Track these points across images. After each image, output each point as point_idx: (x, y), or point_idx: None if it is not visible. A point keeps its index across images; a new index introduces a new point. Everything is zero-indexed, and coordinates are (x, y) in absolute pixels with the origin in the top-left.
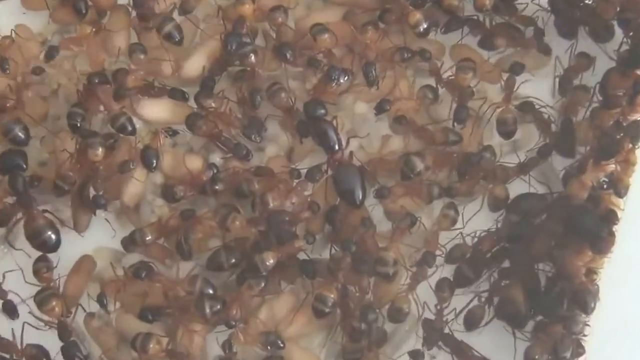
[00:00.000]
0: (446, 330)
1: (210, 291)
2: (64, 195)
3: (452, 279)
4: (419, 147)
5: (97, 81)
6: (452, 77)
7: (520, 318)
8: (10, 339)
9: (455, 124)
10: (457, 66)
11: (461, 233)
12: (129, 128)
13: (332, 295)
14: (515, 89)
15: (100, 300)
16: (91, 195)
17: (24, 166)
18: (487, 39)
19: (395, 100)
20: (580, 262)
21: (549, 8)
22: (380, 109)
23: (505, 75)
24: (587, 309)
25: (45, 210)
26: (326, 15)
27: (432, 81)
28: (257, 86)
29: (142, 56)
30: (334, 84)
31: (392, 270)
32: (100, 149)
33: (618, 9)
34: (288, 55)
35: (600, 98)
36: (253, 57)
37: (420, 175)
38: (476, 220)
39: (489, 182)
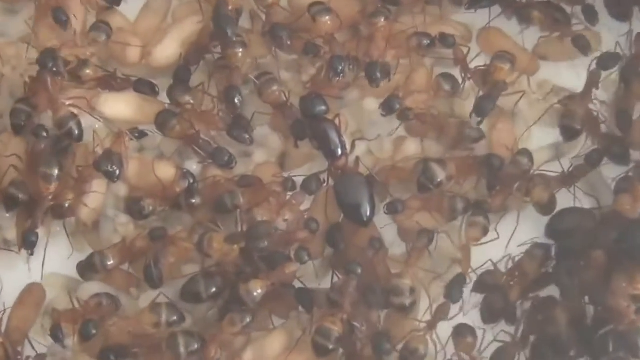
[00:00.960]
0: None
1: (175, 318)
2: (14, 208)
3: (480, 311)
4: (439, 152)
5: (50, 66)
6: (482, 68)
7: (560, 343)
8: None
9: (474, 115)
10: (494, 56)
11: (491, 260)
12: (76, 132)
13: (336, 329)
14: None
15: (55, 334)
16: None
17: None
18: (523, 10)
19: (407, 94)
20: (634, 292)
21: None
22: (388, 107)
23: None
24: (637, 353)
25: None
26: None
27: (456, 72)
28: (235, 83)
29: (103, 37)
30: (337, 77)
31: (409, 301)
32: (53, 184)
33: None
34: (284, 38)
35: None
36: (241, 52)
37: (441, 186)
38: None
39: (524, 193)
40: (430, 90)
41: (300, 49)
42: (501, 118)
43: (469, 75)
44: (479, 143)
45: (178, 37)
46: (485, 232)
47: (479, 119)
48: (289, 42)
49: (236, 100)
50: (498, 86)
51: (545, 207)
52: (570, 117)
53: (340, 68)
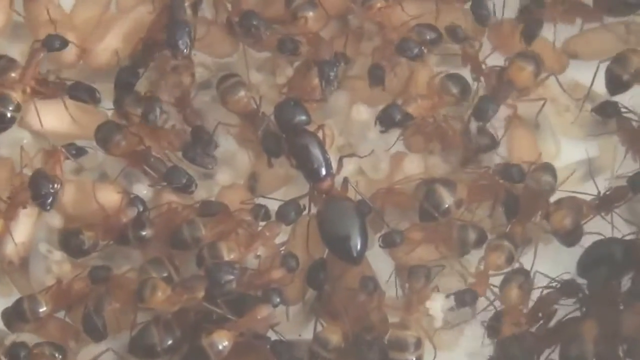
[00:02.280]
0: None
1: None
2: None
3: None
4: (446, 172)
5: None
6: (498, 68)
7: None
8: None
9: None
10: (515, 54)
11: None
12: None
13: None
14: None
15: None
16: None
17: None
18: None
19: (409, 101)
20: None
21: None
22: (387, 120)
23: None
24: None
25: None
26: None
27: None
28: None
29: None
30: (330, 87)
31: (414, 357)
32: None
33: None
34: (260, 29)
35: None
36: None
37: (448, 214)
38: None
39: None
40: (435, 95)
41: (274, 46)
42: (521, 128)
43: (480, 77)
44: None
45: (123, 32)
46: (511, 259)
47: (480, 123)
48: (266, 34)
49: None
50: (505, 85)
51: (568, 237)
52: (622, 62)
53: (333, 74)
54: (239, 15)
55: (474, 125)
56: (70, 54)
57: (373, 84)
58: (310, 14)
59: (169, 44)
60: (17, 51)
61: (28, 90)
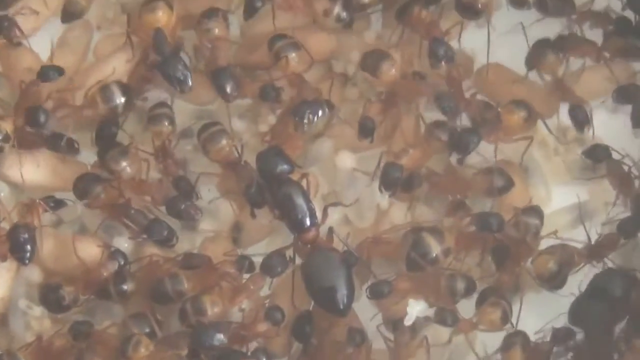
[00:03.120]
0: None
1: None
2: None
3: None
4: (432, 218)
5: None
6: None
7: None
8: None
9: (455, 153)
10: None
11: None
12: None
13: None
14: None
15: None
16: None
17: None
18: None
19: (399, 154)
20: None
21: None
22: (389, 181)
23: None
24: None
25: None
26: (290, 19)
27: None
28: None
29: None
30: (302, 126)
31: None
32: None
33: None
34: (229, 89)
35: None
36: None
37: (436, 263)
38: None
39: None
40: (423, 143)
41: (256, 92)
42: (510, 172)
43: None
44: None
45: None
46: (506, 319)
47: (459, 156)
48: (235, 94)
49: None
50: (490, 119)
51: (551, 281)
52: None
53: (310, 114)
54: (212, 71)
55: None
56: (47, 103)
57: (362, 137)
58: (293, 55)
59: (174, 81)
60: None
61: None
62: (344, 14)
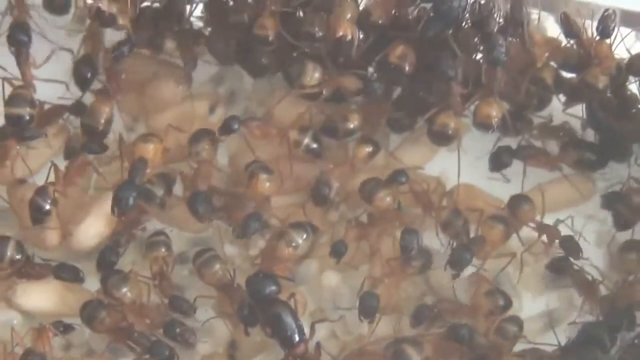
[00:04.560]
0: None
1: None
2: None
3: None
4: (414, 331)
5: None
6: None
7: None
8: None
9: (449, 268)
10: (483, 221)
11: None
12: None
13: None
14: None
15: None
16: None
17: None
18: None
19: (375, 283)
20: None
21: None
22: (368, 312)
23: None
24: None
25: None
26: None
27: None
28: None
29: None
30: (242, 237)
31: None
32: None
33: None
34: (200, 211)
35: None
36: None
37: None
38: None
39: None
40: (397, 270)
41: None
42: (484, 283)
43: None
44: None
45: (102, 213)
46: None
47: (455, 272)
48: (208, 217)
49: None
50: (476, 237)
51: None
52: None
53: (254, 226)
54: (188, 200)
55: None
56: (53, 237)
57: (333, 258)
58: (264, 176)
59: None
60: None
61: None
62: (313, 145)
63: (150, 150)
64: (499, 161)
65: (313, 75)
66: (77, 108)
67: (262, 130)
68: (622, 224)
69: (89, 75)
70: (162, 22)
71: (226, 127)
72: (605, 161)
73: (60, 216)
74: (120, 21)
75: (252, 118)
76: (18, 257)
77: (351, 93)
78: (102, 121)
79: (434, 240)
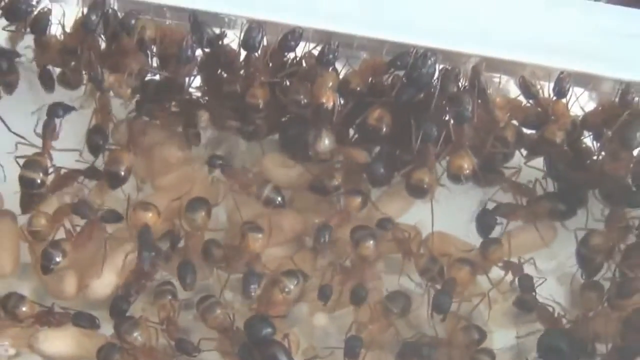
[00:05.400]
0: None
1: None
2: None
3: None
4: None
5: None
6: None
7: None
8: None
9: (434, 313)
10: (451, 264)
11: None
12: None
13: None
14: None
15: None
16: None
17: None
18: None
19: (360, 327)
20: None
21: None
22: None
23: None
24: None
25: None
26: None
27: None
28: None
29: None
30: (249, 297)
31: None
32: None
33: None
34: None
35: None
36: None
37: None
38: None
39: None
40: (380, 317)
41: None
42: (454, 320)
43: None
44: None
45: (115, 266)
46: None
47: (441, 316)
48: (193, 285)
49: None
50: (450, 280)
51: None
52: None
53: (254, 287)
54: (178, 269)
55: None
56: (70, 288)
57: (321, 300)
58: (254, 235)
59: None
60: (27, 289)
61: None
62: (273, 197)
63: (149, 218)
64: (486, 225)
65: (326, 142)
66: (91, 172)
67: (240, 182)
68: (583, 264)
69: (100, 142)
70: (165, 93)
71: (210, 164)
72: (574, 210)
73: (77, 269)
74: (123, 92)
75: (230, 167)
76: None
77: (358, 165)
78: (124, 168)
79: (412, 282)
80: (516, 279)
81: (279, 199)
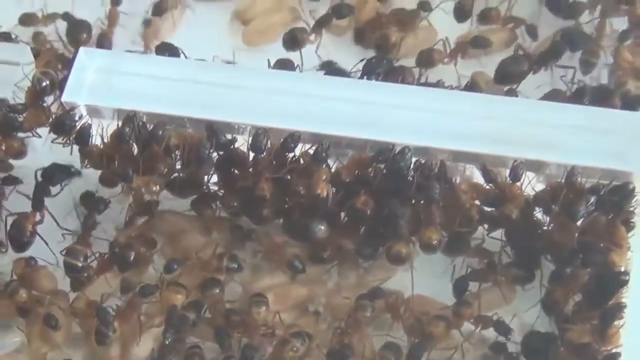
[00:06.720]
0: None
1: None
2: None
3: None
4: None
5: None
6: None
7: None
8: None
9: None
10: (429, 320)
11: None
12: None
13: None
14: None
15: None
16: None
17: None
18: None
19: None
20: None
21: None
22: None
23: None
24: None
25: None
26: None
27: None
28: None
29: None
30: (291, 352)
31: None
32: None
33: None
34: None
35: None
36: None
37: None
38: None
39: None
40: None
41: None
42: None
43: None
44: None
45: (151, 335)
46: None
47: None
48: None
49: None
50: (428, 336)
51: None
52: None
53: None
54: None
55: None
56: (116, 354)
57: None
58: (263, 308)
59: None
60: (79, 357)
61: None
62: (232, 266)
63: (179, 299)
64: (461, 289)
65: (321, 228)
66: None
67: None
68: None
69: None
70: (187, 189)
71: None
72: (532, 277)
73: (120, 337)
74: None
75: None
76: None
77: (346, 251)
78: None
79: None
80: (492, 327)
81: (236, 266)
